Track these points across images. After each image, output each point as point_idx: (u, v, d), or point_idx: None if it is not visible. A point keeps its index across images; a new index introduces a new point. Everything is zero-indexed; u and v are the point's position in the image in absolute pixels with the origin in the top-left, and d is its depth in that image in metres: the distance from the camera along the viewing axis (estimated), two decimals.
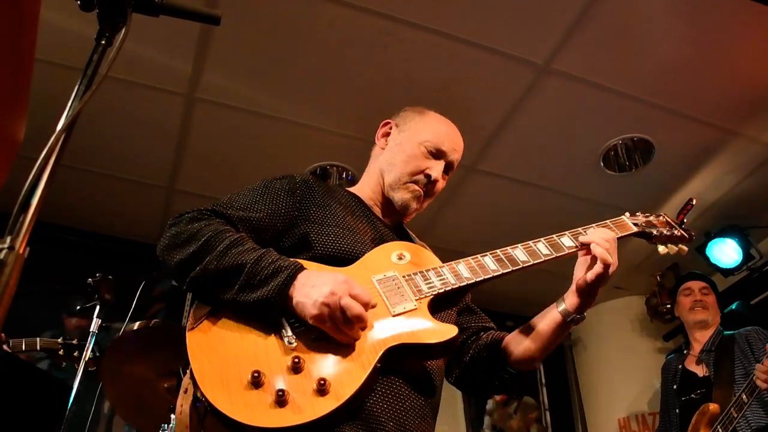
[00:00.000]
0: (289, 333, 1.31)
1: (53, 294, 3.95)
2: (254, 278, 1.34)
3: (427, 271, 1.51)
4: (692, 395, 3.37)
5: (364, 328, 1.33)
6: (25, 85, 0.86)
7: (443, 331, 1.38)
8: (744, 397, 2.94)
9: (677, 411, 3.45)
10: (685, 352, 3.66)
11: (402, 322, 1.38)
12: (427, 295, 1.45)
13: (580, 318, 1.52)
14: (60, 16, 2.96)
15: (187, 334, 1.35)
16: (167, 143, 3.81)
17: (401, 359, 1.36)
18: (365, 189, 1.81)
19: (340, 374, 1.27)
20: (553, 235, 1.61)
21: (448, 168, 1.78)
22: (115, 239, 4.34)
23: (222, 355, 1.30)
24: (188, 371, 1.31)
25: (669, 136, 3.77)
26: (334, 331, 1.30)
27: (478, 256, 1.55)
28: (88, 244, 4.35)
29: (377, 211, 1.78)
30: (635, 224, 1.77)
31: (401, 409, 1.37)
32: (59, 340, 2.88)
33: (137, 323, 2.87)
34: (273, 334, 1.33)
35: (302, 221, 1.57)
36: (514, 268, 1.53)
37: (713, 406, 3.09)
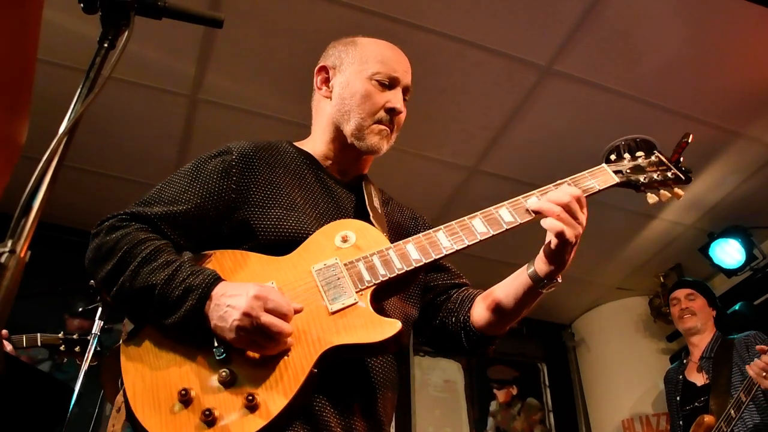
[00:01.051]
0: (217, 343, 1.22)
1: (55, 295, 3.95)
2: (165, 301, 1.23)
3: (371, 255, 1.35)
4: (695, 404, 3.35)
5: (289, 336, 1.23)
6: (28, 87, 0.85)
7: (384, 328, 1.25)
8: (743, 396, 2.93)
9: (680, 423, 3.43)
10: (684, 361, 3.63)
11: (339, 320, 1.26)
12: (369, 286, 1.31)
13: (551, 284, 1.38)
14: (63, 17, 2.96)
15: (121, 345, 1.28)
16: (170, 144, 3.82)
17: (343, 358, 1.26)
18: (319, 146, 1.63)
19: (271, 386, 1.18)
20: (520, 197, 1.44)
21: (404, 92, 1.60)
22: None
23: (154, 371, 1.22)
24: (122, 389, 1.23)
25: (671, 136, 3.74)
26: (260, 349, 1.21)
27: (431, 231, 1.41)
28: None
29: (333, 169, 1.62)
30: (618, 172, 1.52)
31: (350, 411, 1.29)
32: (60, 335, 2.88)
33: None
34: (204, 346, 1.23)
35: (241, 205, 1.41)
36: (470, 243, 1.37)
37: (708, 418, 3.07)
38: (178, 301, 1.23)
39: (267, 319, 1.19)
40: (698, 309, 3.60)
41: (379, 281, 1.32)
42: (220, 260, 1.37)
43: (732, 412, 2.95)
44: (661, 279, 4.88)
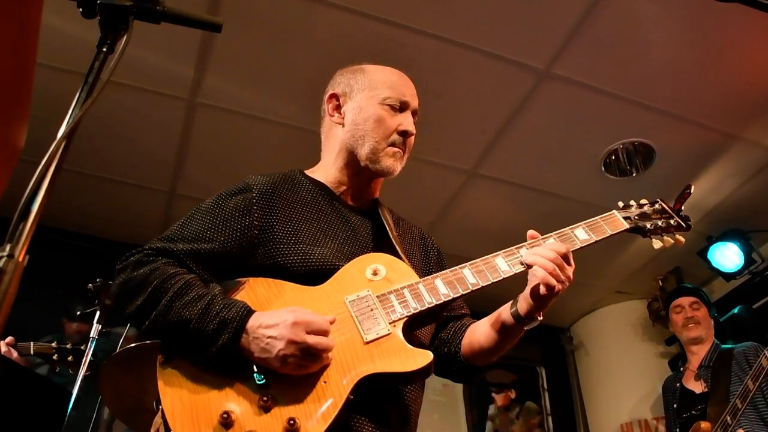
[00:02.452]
0: (257, 369, 1.28)
1: (54, 298, 3.94)
2: (200, 335, 1.28)
3: (402, 289, 1.44)
4: (692, 412, 3.35)
5: (332, 349, 1.30)
6: (27, 91, 0.85)
7: (417, 359, 1.33)
8: (738, 403, 2.93)
9: (677, 430, 3.43)
10: (681, 369, 3.64)
11: (374, 349, 1.33)
12: (401, 317, 1.39)
13: (532, 321, 1.48)
14: (62, 21, 2.96)
15: (158, 368, 1.31)
16: (169, 147, 3.81)
17: (377, 385, 1.32)
18: (332, 172, 1.68)
19: (311, 411, 1.24)
20: (539, 238, 1.54)
21: (413, 114, 1.68)
22: (116, 244, 4.32)
23: (193, 394, 1.27)
24: (160, 409, 1.27)
25: (670, 140, 3.76)
26: (306, 370, 1.28)
27: (458, 267, 1.50)
28: (88, 249, 4.34)
29: (347, 197, 1.68)
30: (627, 218, 1.68)
31: (386, 427, 1.35)
32: (53, 344, 2.86)
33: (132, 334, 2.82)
34: (243, 370, 1.29)
35: (265, 242, 1.47)
36: (494, 280, 1.47)
37: (704, 425, 3.08)
38: (213, 335, 1.27)
39: (313, 340, 1.26)
40: (702, 318, 3.61)
41: (411, 313, 1.40)
42: (254, 288, 1.42)
43: (728, 418, 2.96)
44: (660, 282, 4.88)
